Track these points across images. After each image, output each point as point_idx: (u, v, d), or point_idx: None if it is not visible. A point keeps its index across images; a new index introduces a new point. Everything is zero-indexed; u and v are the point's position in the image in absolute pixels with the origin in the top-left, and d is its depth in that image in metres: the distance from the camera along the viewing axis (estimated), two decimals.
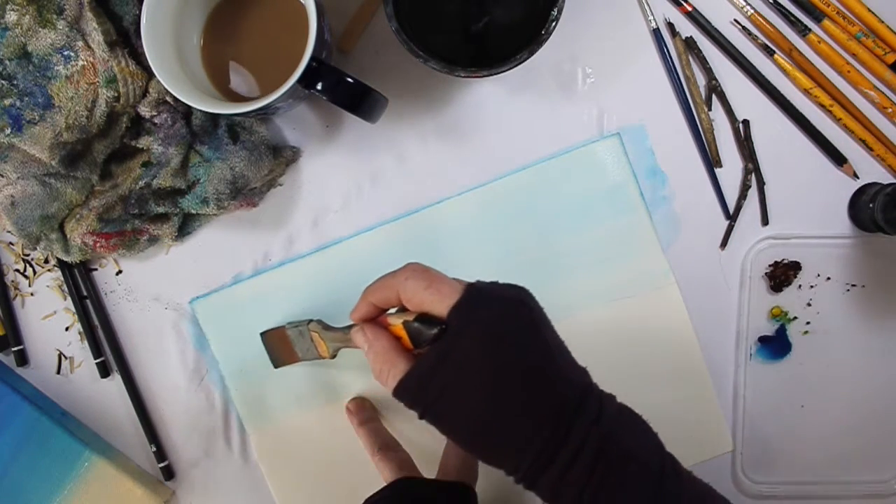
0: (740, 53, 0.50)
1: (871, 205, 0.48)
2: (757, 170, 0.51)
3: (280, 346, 0.50)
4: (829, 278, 0.51)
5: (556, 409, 0.33)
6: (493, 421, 0.33)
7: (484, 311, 0.34)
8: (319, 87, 0.41)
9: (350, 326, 0.43)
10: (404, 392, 0.35)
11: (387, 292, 0.37)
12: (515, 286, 0.36)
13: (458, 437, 0.35)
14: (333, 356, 0.47)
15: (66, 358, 0.53)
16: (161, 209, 0.48)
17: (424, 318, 0.35)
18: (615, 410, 0.35)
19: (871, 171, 0.51)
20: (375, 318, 0.39)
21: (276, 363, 0.51)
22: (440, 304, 0.34)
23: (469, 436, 0.34)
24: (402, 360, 0.36)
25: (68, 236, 0.49)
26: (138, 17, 0.43)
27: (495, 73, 0.42)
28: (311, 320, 0.47)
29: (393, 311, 0.39)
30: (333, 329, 0.46)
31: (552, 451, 0.33)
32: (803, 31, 0.50)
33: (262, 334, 0.51)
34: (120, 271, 0.53)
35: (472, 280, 0.36)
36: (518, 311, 0.35)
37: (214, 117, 0.48)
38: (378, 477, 0.47)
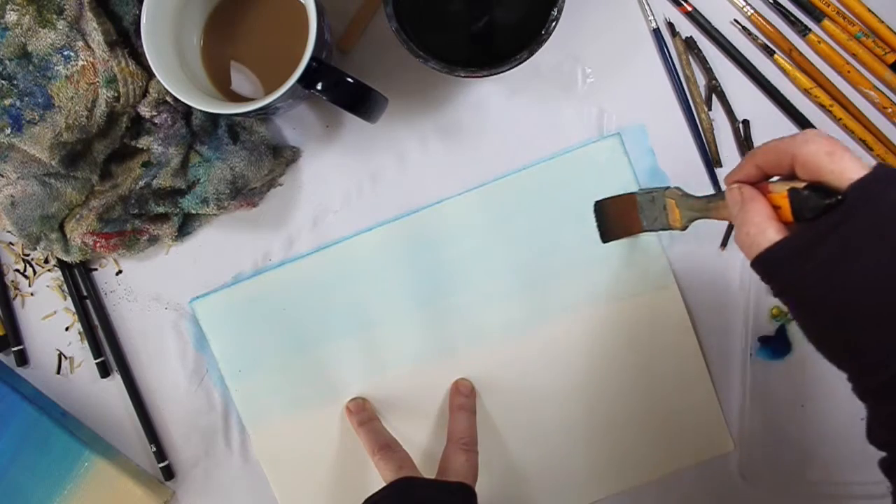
0: (740, 53, 0.50)
1: None
2: None
3: (622, 213, 0.47)
4: None
5: None
6: (855, 320, 0.29)
7: (890, 196, 0.29)
8: (319, 87, 0.41)
9: (712, 196, 0.41)
10: (768, 263, 0.32)
11: (779, 155, 0.33)
12: None
13: (806, 324, 0.32)
14: (685, 227, 0.43)
15: (66, 358, 0.53)
16: (161, 209, 0.48)
17: (818, 188, 0.31)
18: None
19: None
20: (755, 185, 0.35)
21: (608, 235, 0.49)
22: (841, 176, 0.30)
23: (820, 328, 0.31)
24: (773, 228, 0.32)
25: (68, 236, 0.49)
26: (138, 17, 0.43)
27: (495, 73, 0.42)
28: (668, 187, 0.44)
29: (776, 179, 0.35)
30: (694, 197, 0.42)
31: None
32: (803, 31, 0.50)
33: (597, 202, 0.49)
34: (120, 271, 0.53)
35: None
36: None
37: (214, 117, 0.48)
38: (378, 477, 0.47)
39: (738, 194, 0.34)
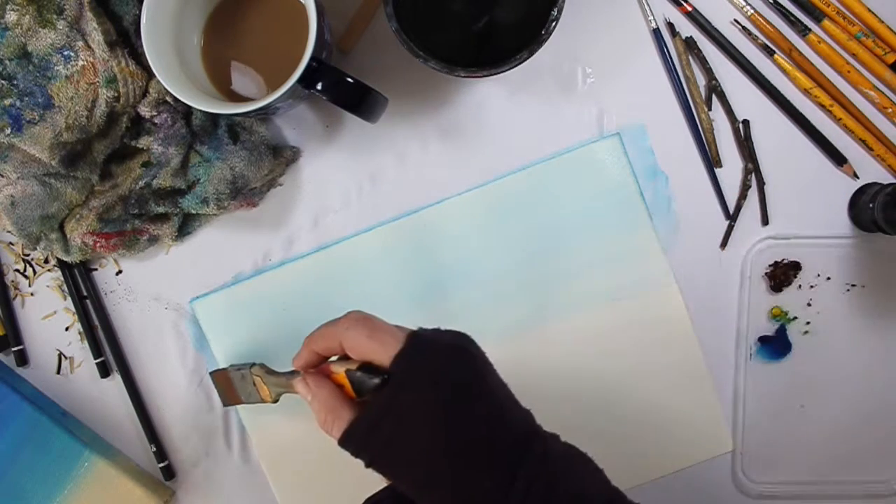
0: (740, 53, 0.50)
1: (871, 205, 0.48)
2: (757, 170, 0.51)
3: (226, 386, 0.49)
4: (829, 278, 0.51)
5: (501, 457, 0.33)
6: (438, 471, 0.33)
7: (427, 360, 0.34)
8: (319, 87, 0.41)
9: (289, 373, 0.43)
10: (350, 441, 0.35)
11: (329, 341, 0.37)
12: (458, 333, 0.36)
13: (405, 486, 0.35)
14: (275, 401, 0.46)
15: (66, 358, 0.53)
16: (161, 209, 0.48)
17: (367, 367, 0.35)
18: (561, 451, 0.35)
19: (871, 171, 0.51)
20: (318, 366, 0.39)
21: (224, 402, 0.51)
22: (383, 354, 0.34)
23: (416, 486, 0.34)
24: (346, 409, 0.36)
25: (68, 236, 0.49)
26: (138, 17, 0.43)
27: (495, 73, 0.42)
28: (254, 364, 0.47)
29: (334, 358, 0.39)
30: (276, 374, 0.45)
31: (503, 495, 0.32)
32: (803, 31, 0.50)
33: (210, 373, 0.51)
34: (120, 271, 0.53)
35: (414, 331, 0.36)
36: (462, 359, 0.35)
37: (214, 117, 0.48)
38: (378, 477, 0.47)
39: (305, 386, 0.38)
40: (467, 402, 0.34)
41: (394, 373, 0.34)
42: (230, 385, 0.49)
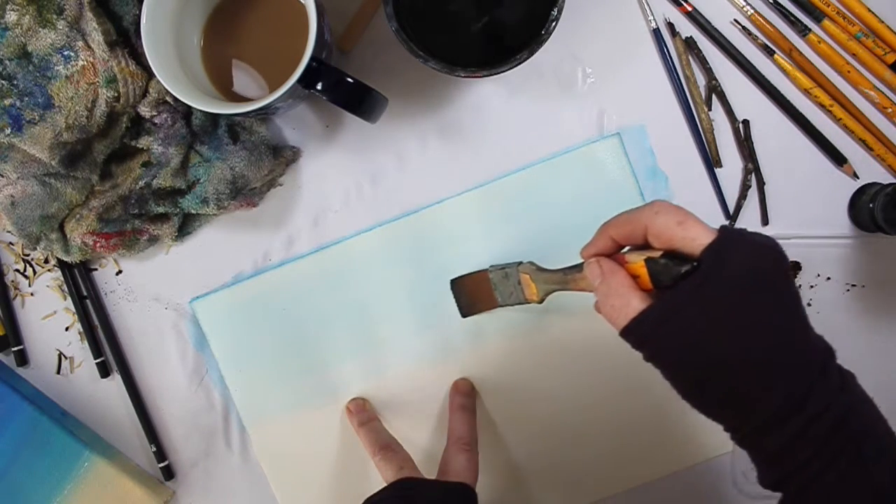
0: (740, 53, 0.50)
1: (871, 205, 0.48)
2: (757, 170, 0.51)
3: (476, 291, 0.48)
4: (829, 278, 0.51)
5: (799, 370, 0.31)
6: (726, 372, 0.31)
7: (740, 255, 0.31)
8: (319, 87, 0.41)
9: (568, 268, 0.41)
10: (635, 331, 0.33)
11: (632, 226, 0.35)
12: (766, 235, 0.33)
13: (682, 384, 0.33)
14: (541, 301, 0.45)
15: (66, 358, 0.53)
16: (161, 209, 0.48)
17: (672, 255, 0.33)
18: (854, 384, 0.33)
19: (871, 171, 0.51)
20: (610, 256, 0.37)
21: (466, 311, 0.50)
22: (692, 243, 0.32)
23: (695, 385, 0.32)
24: (636, 298, 0.33)
25: (68, 236, 0.49)
26: (138, 17, 0.43)
27: (495, 73, 0.42)
28: (521, 262, 0.46)
29: (627, 249, 0.37)
30: (549, 270, 0.44)
31: (784, 415, 0.30)
32: (803, 31, 0.50)
33: (453, 281, 0.50)
34: (120, 271, 0.53)
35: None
36: (773, 260, 0.32)
37: (214, 117, 0.48)
38: (378, 477, 0.47)
39: (598, 268, 0.36)
40: (774, 308, 0.31)
41: (703, 262, 0.31)
42: (485, 287, 0.47)
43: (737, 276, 0.31)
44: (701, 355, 0.31)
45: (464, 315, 0.50)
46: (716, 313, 0.31)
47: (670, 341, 0.32)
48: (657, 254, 0.33)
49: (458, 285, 0.50)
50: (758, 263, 0.31)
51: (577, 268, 0.40)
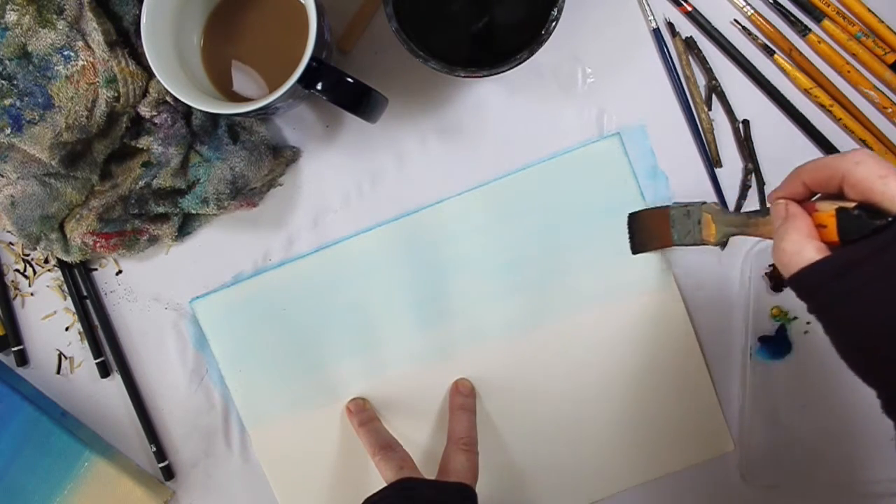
0: (740, 53, 0.50)
1: None
2: (757, 170, 0.51)
3: (653, 226, 0.47)
4: None
5: None
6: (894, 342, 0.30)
7: None
8: (319, 87, 0.41)
9: (753, 212, 0.41)
10: (804, 281, 0.32)
11: (828, 173, 0.33)
12: None
13: (847, 342, 0.32)
14: (722, 243, 0.43)
15: (66, 358, 0.53)
16: (161, 209, 0.48)
17: (867, 208, 0.31)
18: None
19: None
20: (799, 202, 0.35)
21: (639, 248, 0.49)
22: (893, 201, 0.30)
23: (859, 347, 0.32)
24: (813, 247, 0.32)
25: (68, 236, 0.49)
26: (138, 17, 0.43)
27: (495, 73, 0.42)
28: (704, 202, 0.45)
29: (817, 197, 0.36)
30: (733, 213, 0.43)
31: None
32: (803, 31, 0.50)
33: (631, 214, 0.49)
34: (120, 271, 0.53)
35: None
36: None
37: (214, 117, 0.48)
38: (378, 477, 0.47)
39: (784, 209, 0.35)
40: None
41: None
42: (664, 223, 0.47)
43: None
44: (870, 317, 0.30)
45: (634, 252, 0.49)
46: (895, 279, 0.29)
47: (840, 297, 0.31)
48: (851, 205, 0.32)
49: (635, 219, 0.49)
50: None
51: (763, 212, 0.39)
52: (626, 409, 0.52)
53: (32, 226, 0.48)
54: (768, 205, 0.37)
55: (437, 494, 0.43)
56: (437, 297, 0.51)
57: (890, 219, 0.30)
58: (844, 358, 0.32)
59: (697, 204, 0.45)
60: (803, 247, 0.32)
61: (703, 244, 0.45)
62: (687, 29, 0.50)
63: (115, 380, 0.53)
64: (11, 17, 0.42)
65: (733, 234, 0.43)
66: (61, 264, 0.52)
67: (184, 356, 0.53)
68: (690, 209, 0.45)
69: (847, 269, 0.31)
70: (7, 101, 0.43)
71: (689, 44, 0.50)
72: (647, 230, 0.48)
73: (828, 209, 0.33)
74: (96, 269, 0.53)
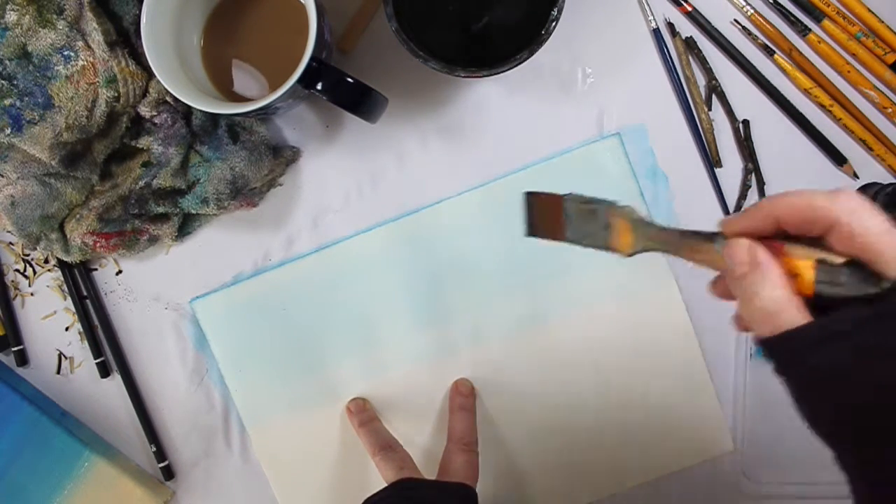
0: (740, 53, 0.50)
1: None
2: (757, 170, 0.51)
3: (546, 213, 0.39)
4: None
5: None
6: (878, 431, 0.26)
7: None
8: (319, 87, 0.41)
9: (691, 232, 0.32)
10: (783, 347, 0.28)
11: (811, 216, 0.27)
12: None
13: (824, 431, 0.28)
14: (631, 255, 0.35)
15: (66, 358, 0.53)
16: (161, 209, 0.48)
17: (856, 265, 0.27)
18: None
19: (871, 171, 0.51)
20: (761, 239, 0.29)
21: (531, 231, 0.40)
22: (893, 261, 0.26)
23: (837, 420, 0.27)
24: (794, 306, 0.27)
25: (68, 236, 0.49)
26: (138, 17, 0.43)
27: (495, 73, 0.42)
28: (615, 202, 0.35)
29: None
30: (659, 227, 0.34)
31: None
32: (803, 31, 0.50)
33: (526, 193, 0.40)
34: (120, 271, 0.53)
35: None
36: None
37: (214, 117, 0.48)
38: (378, 477, 0.47)
39: (746, 255, 0.29)
40: None
41: None
42: (556, 213, 0.38)
43: None
44: (855, 393, 0.26)
45: (527, 234, 0.40)
46: (891, 360, 0.25)
47: (823, 372, 0.27)
48: (837, 259, 0.27)
49: (531, 200, 0.40)
50: None
51: (705, 236, 0.32)
52: (626, 409, 0.52)
53: (32, 226, 0.48)
54: (719, 229, 0.31)
55: (437, 494, 0.43)
56: (438, 298, 0.51)
57: (887, 285, 0.26)
58: (811, 427, 0.29)
59: (605, 203, 0.35)
60: (784, 307, 0.27)
61: (610, 251, 0.36)
62: (687, 29, 0.50)
63: (115, 380, 0.53)
64: (11, 17, 0.42)
65: (654, 251, 0.34)
66: (61, 264, 0.52)
67: (184, 356, 0.53)
68: (595, 208, 0.36)
69: (831, 338, 0.27)
70: (7, 101, 0.43)
71: (689, 44, 0.50)
72: (541, 215, 0.40)
73: (804, 256, 0.28)
74: (96, 269, 0.53)
